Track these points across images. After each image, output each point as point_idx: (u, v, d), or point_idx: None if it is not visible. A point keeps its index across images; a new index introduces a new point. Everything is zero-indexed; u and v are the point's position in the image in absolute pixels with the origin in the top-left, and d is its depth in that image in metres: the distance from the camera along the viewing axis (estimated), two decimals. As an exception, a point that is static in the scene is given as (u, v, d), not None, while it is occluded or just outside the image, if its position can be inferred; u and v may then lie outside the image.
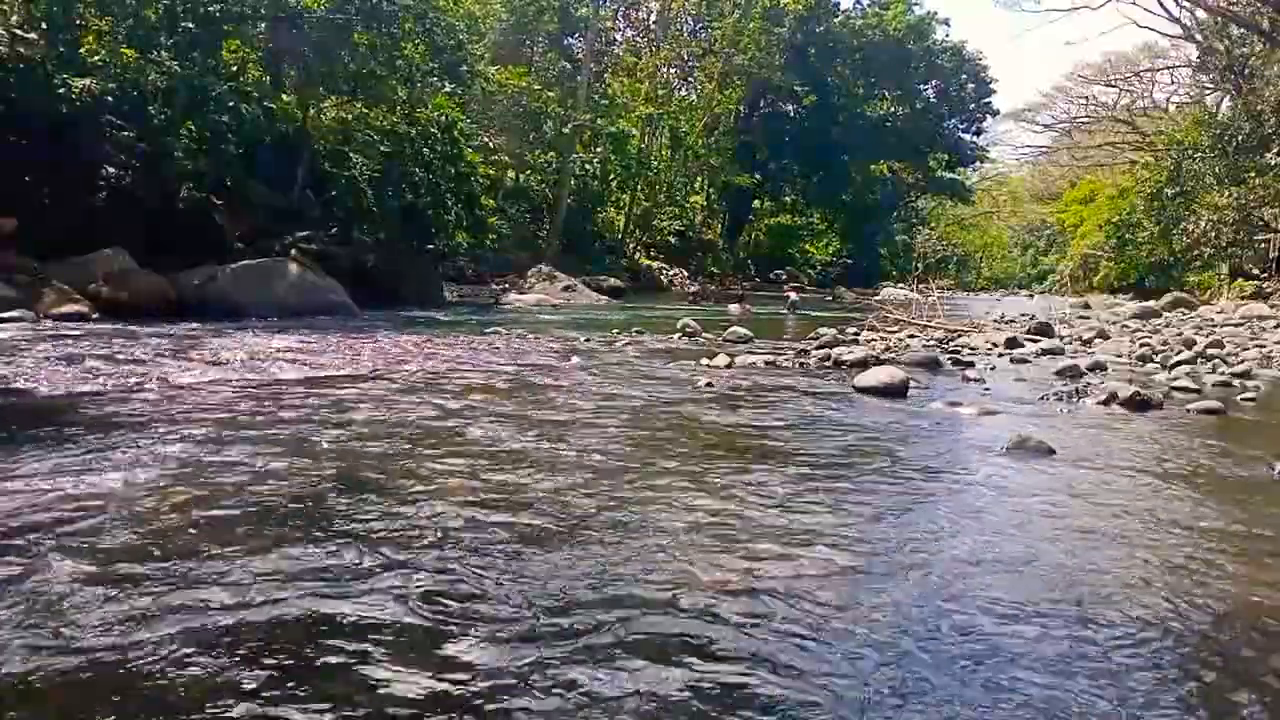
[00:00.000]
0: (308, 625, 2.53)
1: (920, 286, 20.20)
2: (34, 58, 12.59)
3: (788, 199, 54.54)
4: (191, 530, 3.29)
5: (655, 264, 38.62)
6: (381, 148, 17.76)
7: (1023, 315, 20.20)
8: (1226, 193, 28.22)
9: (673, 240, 42.40)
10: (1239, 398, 8.06)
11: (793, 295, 24.69)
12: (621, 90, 37.52)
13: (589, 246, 34.35)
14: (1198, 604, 2.96)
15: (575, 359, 9.65)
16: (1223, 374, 9.59)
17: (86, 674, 2.22)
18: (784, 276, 44.41)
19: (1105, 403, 7.33)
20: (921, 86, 53.07)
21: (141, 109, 14.07)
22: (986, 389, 8.31)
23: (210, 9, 14.45)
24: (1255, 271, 29.07)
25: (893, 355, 10.53)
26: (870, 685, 2.32)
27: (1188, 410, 7.20)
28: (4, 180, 12.11)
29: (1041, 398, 7.76)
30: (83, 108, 12.70)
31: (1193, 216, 30.16)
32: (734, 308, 22.80)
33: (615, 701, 2.18)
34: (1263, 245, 29.21)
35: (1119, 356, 11.70)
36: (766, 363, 9.86)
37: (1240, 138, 28.82)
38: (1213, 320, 18.23)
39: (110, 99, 13.33)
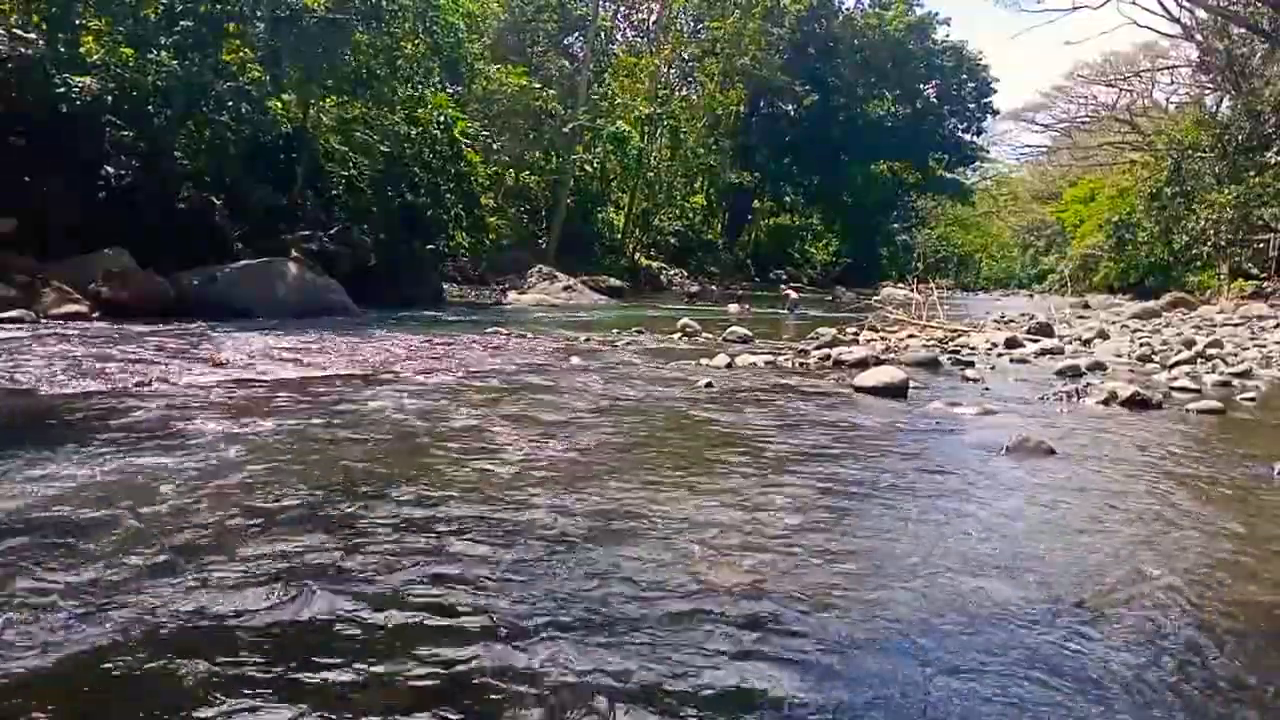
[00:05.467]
0: (309, 624, 2.53)
1: (920, 286, 20.16)
2: (34, 57, 12.58)
3: (788, 199, 54.54)
4: (192, 529, 3.29)
5: (655, 264, 38.58)
6: (382, 148, 17.74)
7: (1023, 315, 20.19)
8: (1226, 192, 28.22)
9: (673, 240, 42.37)
10: (1239, 398, 8.06)
11: (792, 295, 24.63)
12: (621, 90, 37.47)
13: (589, 246, 34.30)
14: (1199, 604, 2.96)
15: (575, 359, 9.65)
16: (1223, 374, 9.58)
17: (87, 672, 2.22)
18: (784, 276, 44.37)
19: (1105, 403, 7.33)
20: (921, 86, 53.11)
21: (141, 109, 14.04)
22: (986, 389, 8.31)
23: (210, 8, 14.43)
24: (1255, 271, 29.03)
25: (893, 355, 10.53)
26: (870, 685, 2.32)
27: (1188, 410, 7.20)
28: (4, 180, 12.09)
29: (1041, 398, 7.77)
30: (83, 107, 12.68)
31: (1193, 216, 30.16)
32: (734, 308, 22.79)
33: (615, 698, 2.18)
34: (1262, 245, 29.18)
35: (1119, 356, 11.69)
36: (766, 363, 9.85)
37: (1240, 137, 28.82)
38: (1213, 320, 18.22)
39: (110, 99, 13.31)
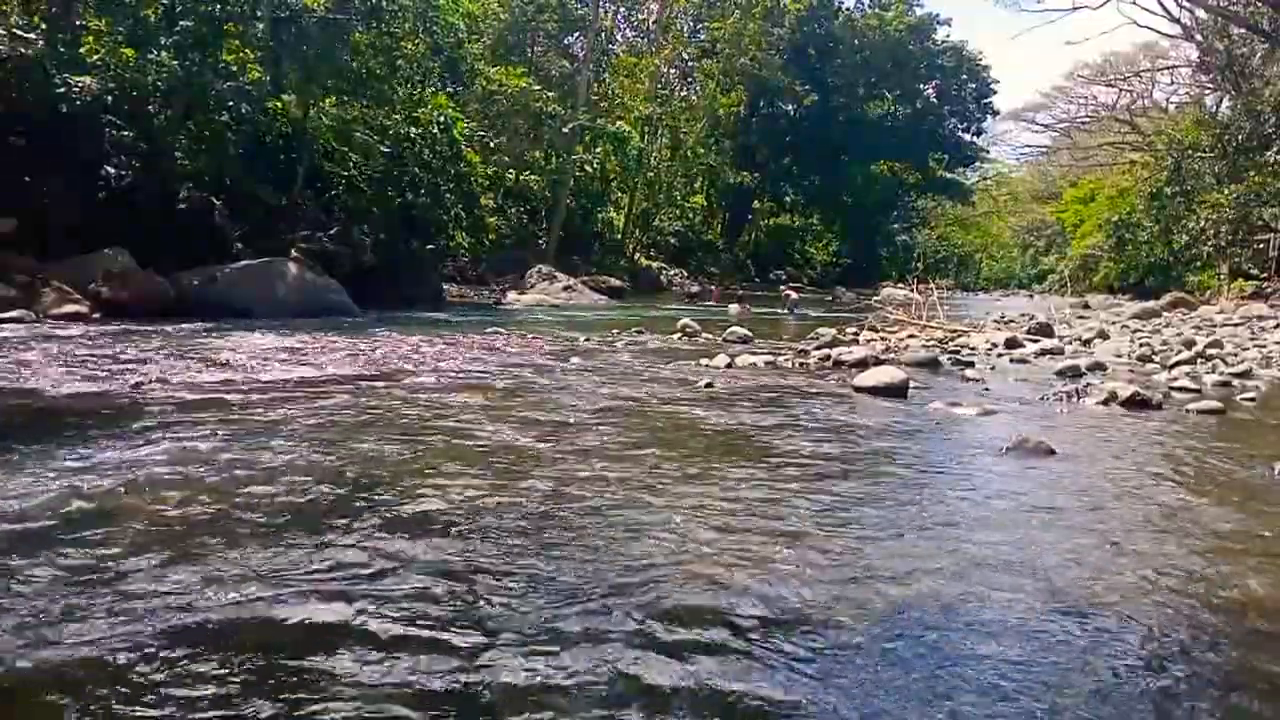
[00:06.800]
0: (309, 624, 2.53)
1: (920, 287, 20.16)
2: (34, 57, 12.58)
3: (788, 199, 54.56)
4: (192, 530, 3.29)
5: (655, 264, 38.58)
6: (381, 148, 17.74)
7: (1022, 315, 20.20)
8: (1226, 192, 28.23)
9: (673, 240, 42.37)
10: (1239, 398, 8.06)
11: (792, 295, 24.59)
12: (621, 90, 37.47)
13: (589, 246, 34.31)
14: (1198, 604, 2.96)
15: (575, 359, 9.65)
16: (1223, 374, 9.59)
17: (85, 672, 2.22)
18: (784, 277, 44.36)
19: (1105, 403, 7.33)
20: (921, 86, 53.10)
21: (141, 109, 14.05)
22: (986, 389, 8.31)
23: (210, 8, 14.43)
24: (1255, 271, 29.04)
25: (893, 355, 10.53)
26: (867, 686, 2.32)
27: (1187, 410, 7.21)
28: (4, 180, 12.09)
29: (1041, 398, 7.77)
30: (83, 107, 12.68)
31: (1193, 216, 30.18)
32: (734, 308, 22.79)
33: (613, 697, 2.18)
34: (1262, 245, 29.19)
35: (1119, 356, 11.69)
36: (766, 363, 9.85)
37: (1240, 137, 28.82)
38: (1213, 320, 18.21)
39: (110, 99, 13.31)
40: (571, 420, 5.90)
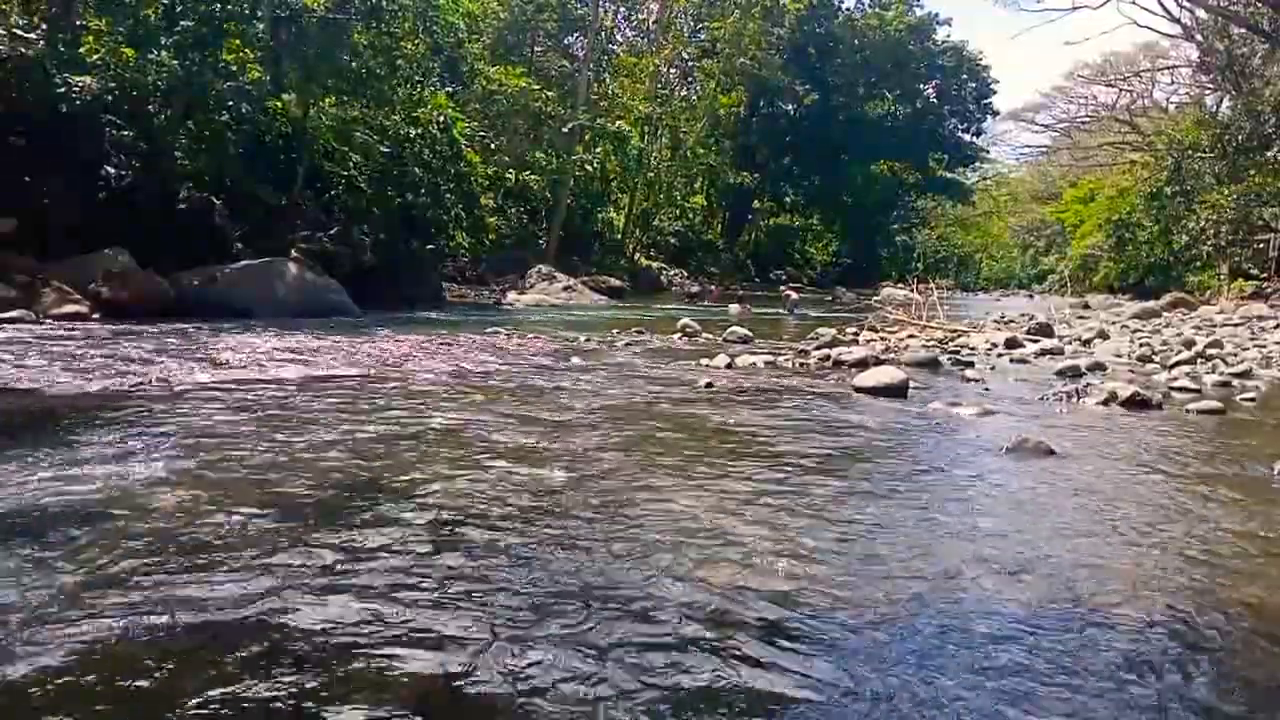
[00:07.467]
0: (307, 623, 2.53)
1: (920, 287, 20.18)
2: (34, 58, 12.57)
3: (788, 199, 54.59)
4: (192, 530, 3.29)
5: (655, 264, 38.59)
6: (381, 148, 17.75)
7: (1022, 315, 20.20)
8: (1226, 192, 28.25)
9: (673, 240, 42.38)
10: (1239, 398, 8.06)
11: (792, 295, 24.58)
12: (621, 90, 37.49)
13: (589, 246, 34.33)
14: (1198, 605, 2.96)
15: (575, 359, 9.65)
16: (1223, 374, 9.59)
17: (85, 670, 2.22)
18: (784, 277, 44.36)
19: (1105, 403, 7.33)
20: (921, 86, 53.14)
21: (141, 109, 14.05)
22: (986, 389, 8.31)
23: (210, 8, 14.43)
24: (1255, 271, 29.04)
25: (892, 355, 10.53)
26: (865, 686, 2.32)
27: (1187, 410, 7.21)
28: (4, 180, 12.08)
29: (1041, 398, 7.77)
30: (83, 107, 12.67)
31: (1193, 216, 30.20)
32: (734, 308, 22.79)
33: (610, 696, 2.18)
34: (1262, 245, 29.20)
35: (1119, 357, 11.69)
36: (766, 363, 9.86)
37: (1240, 137, 28.84)
38: (1213, 320, 18.21)
39: (110, 99, 13.31)
40: (571, 420, 5.91)
